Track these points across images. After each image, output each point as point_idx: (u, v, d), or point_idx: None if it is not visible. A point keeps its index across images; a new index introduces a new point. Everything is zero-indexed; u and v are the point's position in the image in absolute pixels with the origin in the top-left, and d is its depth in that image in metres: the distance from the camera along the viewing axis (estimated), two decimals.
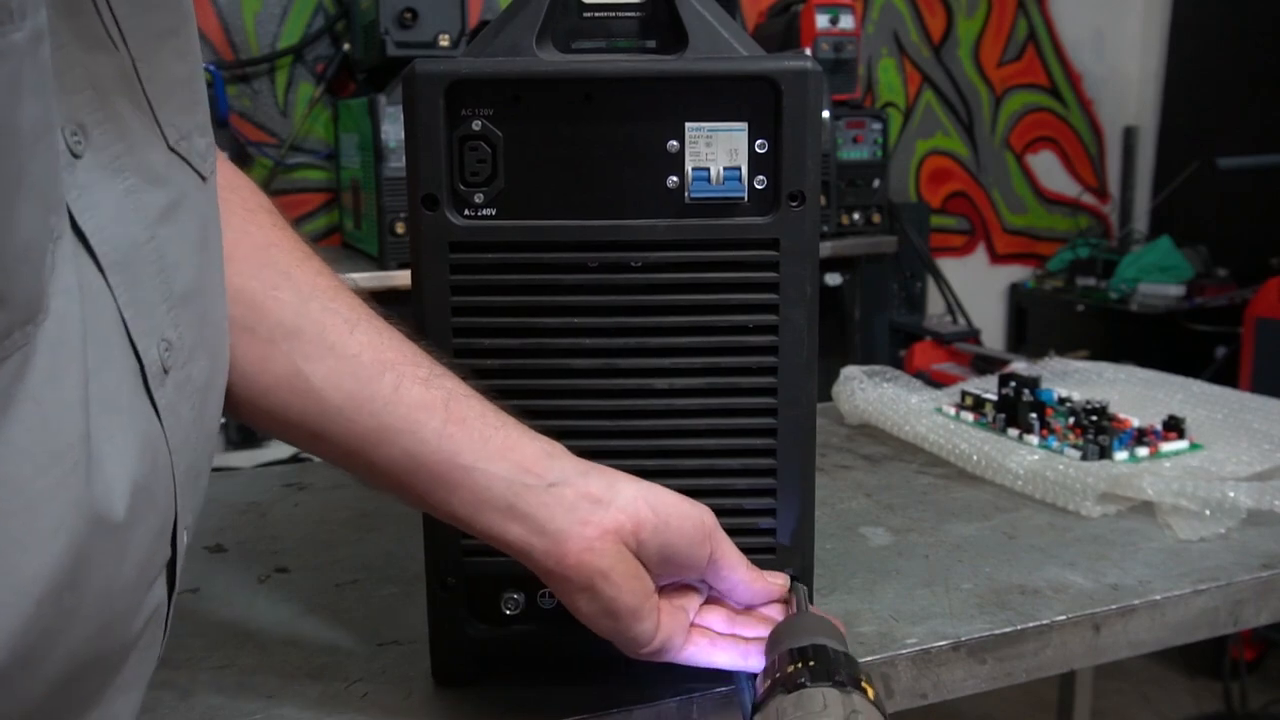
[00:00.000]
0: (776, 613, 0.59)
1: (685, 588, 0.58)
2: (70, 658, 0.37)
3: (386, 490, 0.55)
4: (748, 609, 0.59)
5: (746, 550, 0.60)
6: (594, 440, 0.59)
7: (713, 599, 0.59)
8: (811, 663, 0.49)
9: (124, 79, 0.41)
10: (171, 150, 0.45)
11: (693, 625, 0.57)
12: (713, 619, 0.58)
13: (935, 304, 3.01)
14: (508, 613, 0.62)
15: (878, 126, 2.41)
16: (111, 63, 0.40)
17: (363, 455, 0.54)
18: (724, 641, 0.57)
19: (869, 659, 0.65)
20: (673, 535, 0.54)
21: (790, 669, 0.49)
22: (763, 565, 0.61)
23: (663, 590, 0.56)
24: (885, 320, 2.83)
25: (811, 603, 0.60)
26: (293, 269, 0.56)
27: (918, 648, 0.67)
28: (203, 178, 0.48)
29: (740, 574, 0.57)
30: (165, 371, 0.42)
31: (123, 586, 0.40)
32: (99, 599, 0.38)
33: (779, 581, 0.59)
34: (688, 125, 0.57)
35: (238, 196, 0.58)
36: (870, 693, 0.48)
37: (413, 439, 0.52)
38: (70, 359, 0.36)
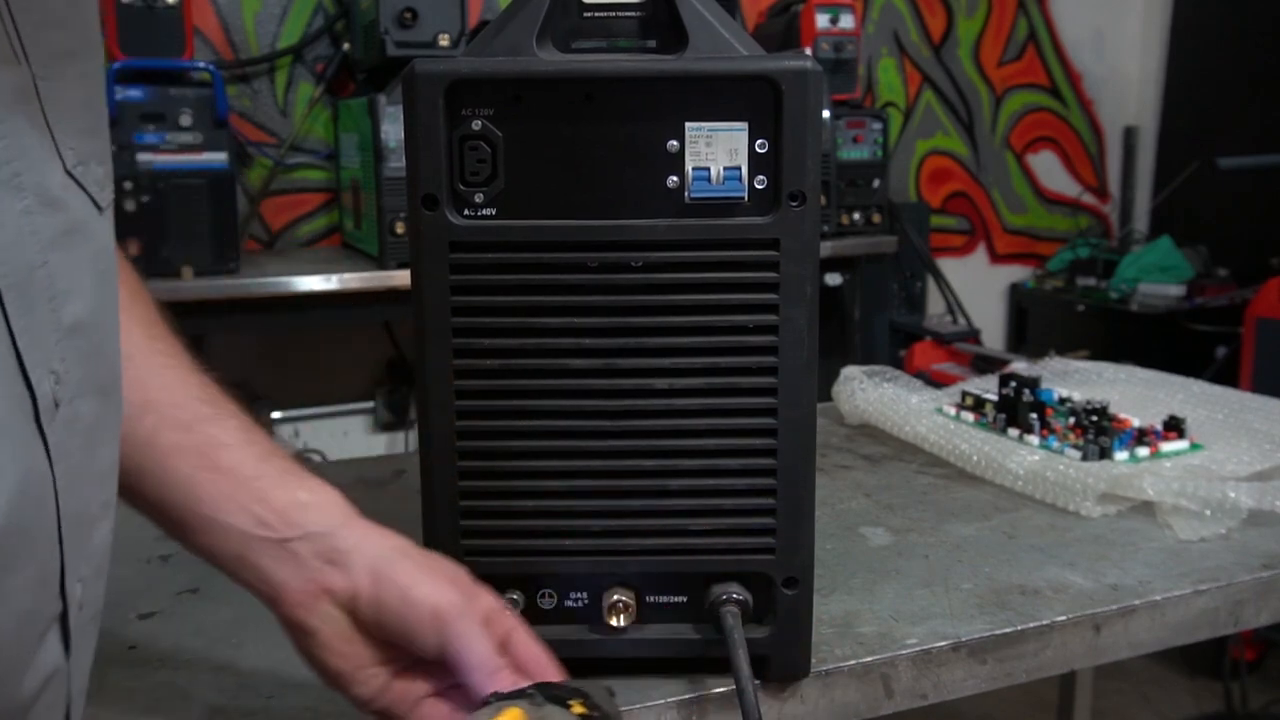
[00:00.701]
0: None
1: (436, 665, 0.54)
2: None
3: (146, 518, 0.56)
4: None
5: (745, 550, 0.60)
6: (594, 440, 0.59)
7: None
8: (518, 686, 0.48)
9: (23, 94, 0.40)
10: (69, 174, 0.43)
11: (438, 696, 0.54)
12: (461, 697, 0.54)
13: (935, 304, 3.01)
14: None
15: (878, 126, 2.41)
16: (12, 76, 0.39)
17: (123, 486, 0.54)
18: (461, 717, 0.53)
19: (869, 659, 0.65)
20: (389, 616, 0.52)
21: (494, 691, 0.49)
22: (762, 565, 0.61)
23: (412, 662, 0.54)
24: (885, 320, 2.83)
25: (808, 615, 0.59)
26: None
27: (918, 648, 0.67)
28: (99, 207, 0.46)
29: (477, 678, 0.51)
30: (56, 405, 0.40)
31: (4, 638, 0.38)
32: None
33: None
34: (688, 125, 0.57)
35: None
36: (577, 709, 0.46)
37: (160, 482, 0.54)
38: None
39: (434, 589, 0.53)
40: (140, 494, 0.55)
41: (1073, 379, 1.22)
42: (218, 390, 0.58)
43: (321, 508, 0.55)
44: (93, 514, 0.45)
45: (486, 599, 0.54)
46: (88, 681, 0.48)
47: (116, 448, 0.49)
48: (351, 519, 0.56)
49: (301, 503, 0.55)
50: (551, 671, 0.53)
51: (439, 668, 0.54)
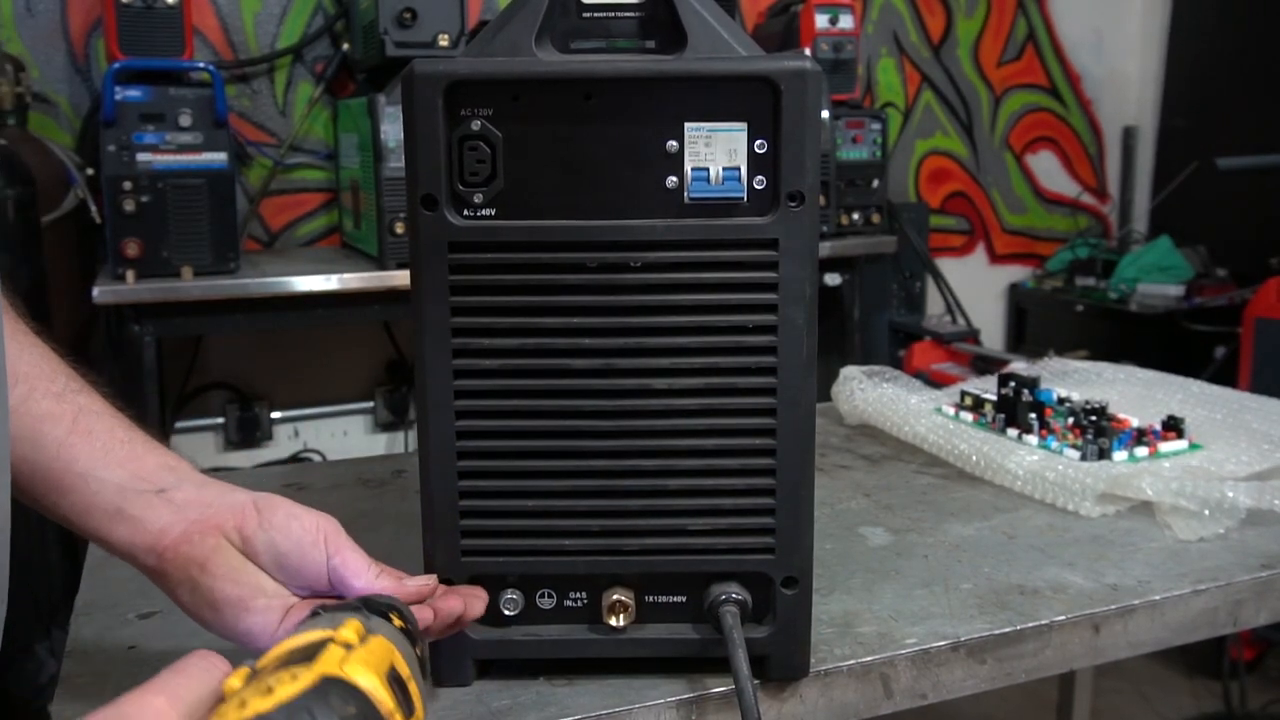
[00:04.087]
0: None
1: (328, 597, 0.58)
2: None
3: (15, 490, 0.57)
4: None
5: (745, 550, 0.60)
6: (594, 440, 0.60)
7: None
8: (348, 600, 0.50)
9: None
10: None
11: None
12: None
13: (935, 304, 3.01)
14: (508, 613, 0.62)
15: (877, 126, 2.41)
16: None
17: None
18: None
19: (868, 659, 0.66)
20: (278, 534, 0.56)
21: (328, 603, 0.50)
22: (761, 565, 0.61)
23: (298, 599, 0.57)
24: (885, 320, 2.83)
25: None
26: None
27: (918, 648, 0.67)
28: None
29: (365, 580, 0.57)
30: None
31: None
32: None
33: (416, 584, 0.57)
34: (687, 125, 0.57)
35: None
36: (397, 622, 0.48)
37: (33, 446, 0.56)
38: None
39: (314, 515, 0.58)
40: (12, 460, 0.56)
41: (1072, 379, 1.22)
42: (78, 370, 0.61)
43: (188, 471, 0.60)
44: None
45: None
46: None
47: (3, 457, 0.51)
48: (213, 480, 0.60)
49: (170, 465, 0.59)
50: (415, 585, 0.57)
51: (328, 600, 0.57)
